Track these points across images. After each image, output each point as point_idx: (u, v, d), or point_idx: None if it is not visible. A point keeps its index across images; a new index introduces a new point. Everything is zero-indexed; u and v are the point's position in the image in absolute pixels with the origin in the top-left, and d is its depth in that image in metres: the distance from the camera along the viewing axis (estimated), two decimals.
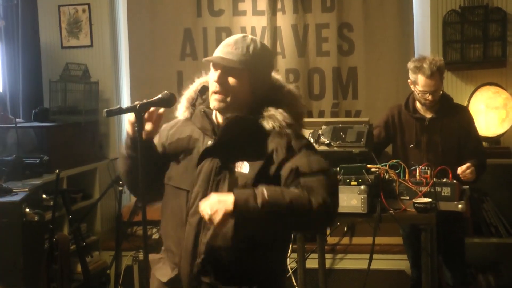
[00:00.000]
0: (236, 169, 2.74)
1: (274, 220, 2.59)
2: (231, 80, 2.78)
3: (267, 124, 2.77)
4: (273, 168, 2.72)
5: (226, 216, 2.53)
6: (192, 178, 2.81)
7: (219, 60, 2.80)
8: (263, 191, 2.55)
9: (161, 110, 2.83)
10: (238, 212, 2.54)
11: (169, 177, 2.93)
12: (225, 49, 2.83)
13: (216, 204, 2.55)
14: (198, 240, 2.76)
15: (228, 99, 2.79)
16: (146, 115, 2.77)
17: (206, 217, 2.56)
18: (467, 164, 4.61)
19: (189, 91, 3.02)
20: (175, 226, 2.86)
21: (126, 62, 6.85)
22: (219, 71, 2.79)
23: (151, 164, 2.80)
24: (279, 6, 6.40)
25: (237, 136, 2.78)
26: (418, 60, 4.83)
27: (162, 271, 2.92)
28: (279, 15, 6.41)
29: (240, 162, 2.75)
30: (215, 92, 2.80)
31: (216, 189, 2.73)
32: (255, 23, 6.45)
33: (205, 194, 2.71)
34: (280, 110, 2.79)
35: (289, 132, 2.77)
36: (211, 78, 2.85)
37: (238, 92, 2.79)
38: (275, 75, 2.97)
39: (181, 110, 3.01)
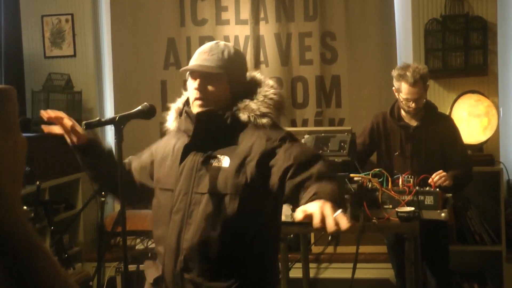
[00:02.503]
0: (216, 164, 2.79)
1: None
2: (211, 85, 2.86)
3: (243, 115, 2.84)
4: (254, 161, 2.76)
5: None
6: (176, 177, 2.86)
7: (197, 68, 2.87)
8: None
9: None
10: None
11: (157, 180, 2.99)
12: (201, 57, 2.91)
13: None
14: (180, 237, 2.80)
15: (210, 102, 2.86)
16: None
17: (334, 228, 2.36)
18: (438, 172, 4.59)
19: (177, 103, 3.09)
20: (162, 227, 2.89)
21: (109, 71, 6.83)
22: (198, 79, 2.86)
23: (103, 164, 2.96)
24: (262, 15, 6.41)
25: (213, 130, 2.85)
26: (402, 68, 4.84)
27: (151, 273, 2.97)
28: (262, 24, 6.42)
29: (221, 156, 2.80)
30: (197, 99, 2.86)
31: (198, 185, 2.79)
32: (238, 32, 6.46)
33: (187, 191, 2.80)
34: (255, 101, 2.88)
35: (264, 122, 2.84)
36: (190, 86, 2.91)
37: (218, 95, 2.87)
38: (253, 72, 3.07)
39: (171, 121, 3.09)
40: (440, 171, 4.57)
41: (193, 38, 6.51)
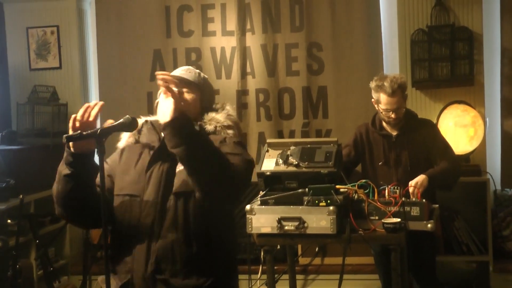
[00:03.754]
0: (180, 167, 2.88)
1: (202, 152, 2.73)
2: (185, 92, 3.01)
3: (209, 126, 3.02)
4: None
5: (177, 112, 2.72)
6: (143, 184, 2.93)
7: (177, 77, 3.04)
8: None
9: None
10: (180, 120, 2.71)
11: (120, 188, 3.00)
12: (180, 73, 3.13)
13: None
14: (151, 241, 2.86)
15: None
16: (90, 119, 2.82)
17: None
18: (412, 183, 4.59)
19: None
20: (129, 233, 2.91)
21: (95, 83, 6.82)
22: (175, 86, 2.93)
23: (92, 182, 2.88)
24: (248, 26, 6.41)
25: None
26: (379, 79, 4.84)
27: (113, 283, 2.91)
28: (248, 35, 6.41)
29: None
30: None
31: (166, 190, 2.89)
32: (225, 43, 6.45)
33: (156, 196, 2.88)
34: (220, 114, 3.10)
35: (230, 133, 3.05)
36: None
37: (190, 104, 2.98)
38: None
39: (125, 139, 3.16)
40: (410, 183, 4.56)
41: (179, 49, 6.51)
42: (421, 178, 4.61)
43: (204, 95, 3.13)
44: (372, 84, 4.87)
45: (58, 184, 2.89)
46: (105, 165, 3.03)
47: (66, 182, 2.84)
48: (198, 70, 3.19)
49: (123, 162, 3.06)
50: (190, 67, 3.21)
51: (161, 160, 2.94)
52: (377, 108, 4.91)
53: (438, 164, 4.85)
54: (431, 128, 5.06)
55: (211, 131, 3.00)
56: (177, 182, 2.89)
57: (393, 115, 4.80)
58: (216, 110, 3.13)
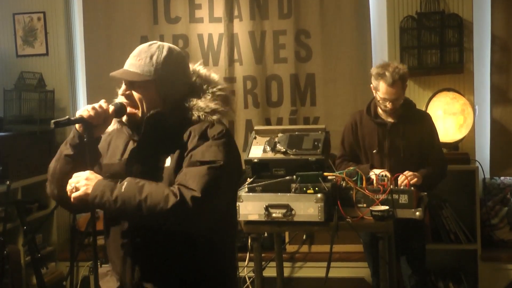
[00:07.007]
0: (161, 165, 2.70)
1: (126, 213, 2.57)
2: (136, 93, 2.77)
3: (193, 116, 2.74)
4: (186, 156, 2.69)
5: (82, 198, 2.60)
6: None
7: (120, 75, 2.79)
8: (123, 185, 2.56)
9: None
10: (92, 200, 2.57)
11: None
12: (130, 61, 2.81)
13: (83, 181, 2.61)
14: (136, 246, 2.70)
15: (139, 111, 2.77)
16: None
17: (69, 188, 2.63)
18: (408, 174, 4.57)
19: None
20: (114, 234, 2.78)
21: (82, 70, 6.77)
22: (124, 85, 2.81)
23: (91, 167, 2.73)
24: (236, 13, 6.36)
25: (161, 132, 2.74)
26: (382, 67, 4.79)
27: (109, 284, 2.85)
28: (236, 22, 6.37)
29: (163, 156, 2.71)
30: (127, 104, 2.80)
31: None
32: (212, 30, 6.41)
33: None
34: (202, 99, 2.78)
35: (215, 118, 2.75)
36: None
37: (147, 103, 2.76)
38: (196, 66, 2.94)
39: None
40: (406, 172, 4.54)
41: (167, 36, 6.45)
42: (417, 175, 4.59)
43: (160, 83, 2.75)
44: (373, 71, 4.83)
45: (57, 163, 2.78)
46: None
47: (66, 163, 2.74)
48: (155, 49, 2.79)
49: (110, 151, 2.91)
50: (145, 47, 2.81)
51: (141, 156, 2.76)
52: (374, 95, 4.87)
53: (428, 163, 4.83)
54: (429, 122, 5.03)
55: (195, 119, 2.72)
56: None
57: (389, 105, 4.76)
58: (198, 92, 2.81)
